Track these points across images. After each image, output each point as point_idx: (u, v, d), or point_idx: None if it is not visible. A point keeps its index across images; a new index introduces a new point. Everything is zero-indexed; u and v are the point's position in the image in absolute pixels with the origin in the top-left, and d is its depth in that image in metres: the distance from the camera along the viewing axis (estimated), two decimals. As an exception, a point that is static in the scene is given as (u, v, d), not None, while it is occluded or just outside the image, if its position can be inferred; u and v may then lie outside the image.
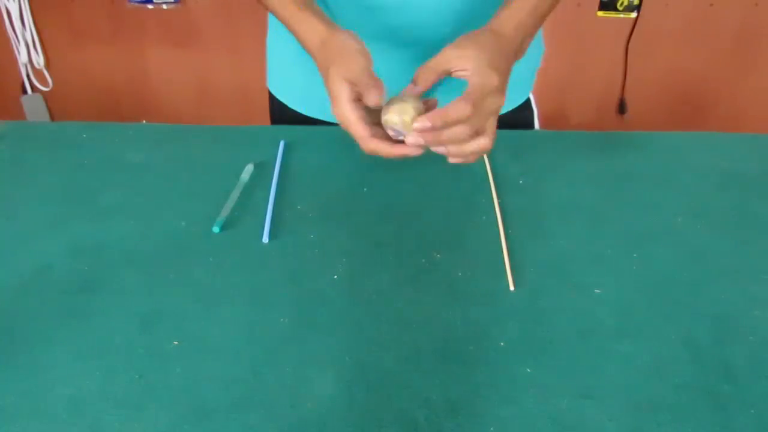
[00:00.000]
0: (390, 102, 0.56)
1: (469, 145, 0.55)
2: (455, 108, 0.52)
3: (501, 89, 0.56)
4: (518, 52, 0.63)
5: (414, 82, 0.60)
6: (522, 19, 0.63)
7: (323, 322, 0.51)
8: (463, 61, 0.56)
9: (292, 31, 0.66)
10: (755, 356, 0.48)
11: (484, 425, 0.43)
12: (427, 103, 0.58)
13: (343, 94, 0.56)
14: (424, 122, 0.53)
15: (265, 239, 0.59)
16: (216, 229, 0.60)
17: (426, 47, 0.74)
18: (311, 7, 0.64)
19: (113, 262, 0.57)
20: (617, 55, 1.93)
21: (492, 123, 0.56)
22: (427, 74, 0.59)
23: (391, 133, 0.56)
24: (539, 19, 0.66)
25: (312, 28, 0.62)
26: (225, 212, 0.62)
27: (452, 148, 0.56)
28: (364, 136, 0.56)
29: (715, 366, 0.47)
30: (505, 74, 0.57)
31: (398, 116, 0.54)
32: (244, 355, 0.48)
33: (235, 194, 0.64)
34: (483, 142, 0.55)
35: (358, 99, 0.56)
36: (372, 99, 0.55)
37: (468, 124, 0.53)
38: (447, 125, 0.53)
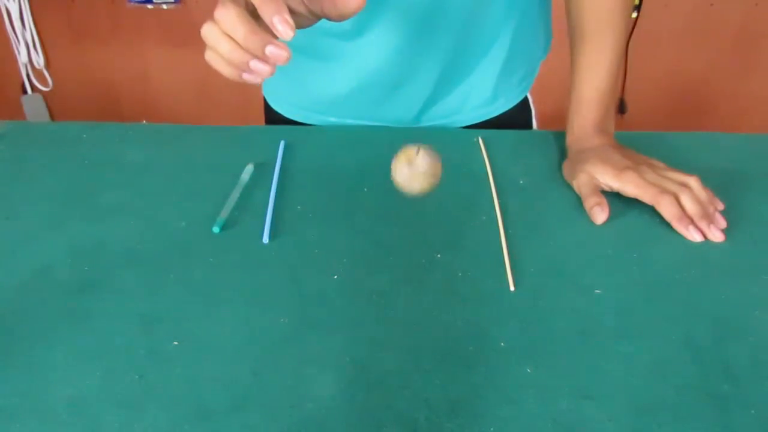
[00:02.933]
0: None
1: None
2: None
3: (635, 159, 0.65)
4: (607, 114, 0.71)
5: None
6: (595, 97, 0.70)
7: (323, 322, 0.51)
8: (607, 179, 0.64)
9: None
10: (755, 356, 0.48)
11: (484, 425, 0.43)
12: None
13: None
14: None
15: (266, 239, 0.59)
16: (216, 230, 0.60)
17: (422, 30, 0.73)
18: None
19: (113, 262, 0.57)
20: (617, 55, 1.93)
21: (667, 170, 0.64)
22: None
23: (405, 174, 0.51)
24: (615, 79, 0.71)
25: None
26: (225, 212, 0.62)
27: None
28: (249, 24, 0.45)
29: (715, 366, 0.47)
30: (617, 149, 0.67)
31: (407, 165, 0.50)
32: (244, 355, 0.48)
33: (235, 194, 0.64)
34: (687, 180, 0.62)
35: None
36: (282, 25, 0.45)
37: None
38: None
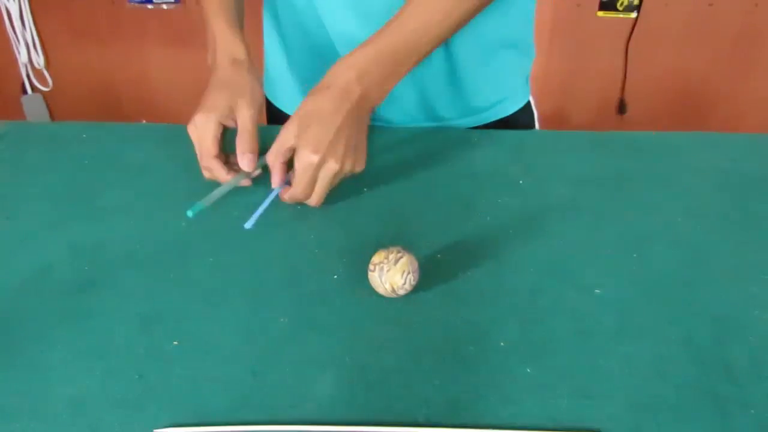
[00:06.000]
0: (382, 258, 0.51)
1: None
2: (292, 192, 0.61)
3: (324, 161, 0.59)
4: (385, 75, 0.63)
5: (274, 177, 0.62)
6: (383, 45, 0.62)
7: (323, 322, 0.51)
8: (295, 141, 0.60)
9: (210, 39, 0.69)
10: (755, 356, 0.48)
11: (484, 425, 0.43)
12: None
13: (215, 110, 0.62)
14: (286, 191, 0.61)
15: (249, 225, 0.58)
16: (190, 214, 0.57)
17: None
18: (234, 24, 0.69)
19: (113, 262, 0.57)
20: (617, 55, 1.93)
21: (321, 186, 0.61)
22: (277, 161, 0.61)
23: (381, 290, 0.52)
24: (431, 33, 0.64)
25: (230, 44, 0.67)
26: (208, 201, 0.59)
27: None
28: (211, 151, 0.62)
29: (715, 366, 0.47)
30: (330, 140, 0.59)
31: (401, 277, 0.51)
32: (244, 355, 0.48)
33: (226, 188, 0.62)
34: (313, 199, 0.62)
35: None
36: (247, 163, 0.62)
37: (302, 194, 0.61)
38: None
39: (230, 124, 0.62)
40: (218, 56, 0.66)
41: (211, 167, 0.62)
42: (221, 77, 0.64)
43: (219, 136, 0.62)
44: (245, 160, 0.61)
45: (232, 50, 0.66)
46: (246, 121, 0.62)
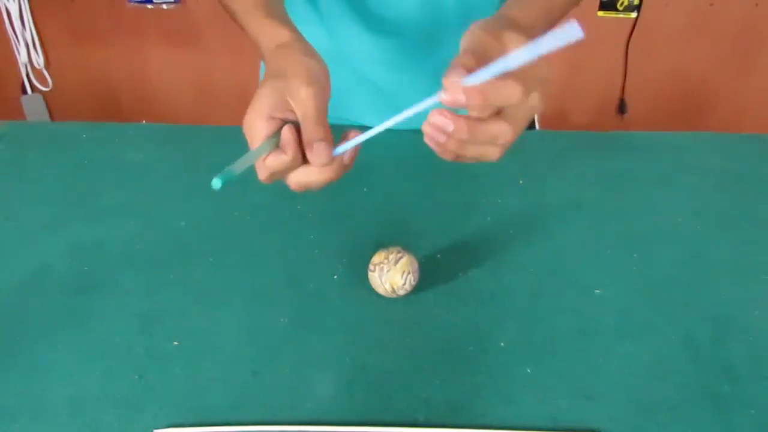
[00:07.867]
0: (382, 258, 0.51)
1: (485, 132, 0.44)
2: (506, 88, 0.40)
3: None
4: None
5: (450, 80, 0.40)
6: (534, 20, 0.53)
7: (323, 322, 0.51)
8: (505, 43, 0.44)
9: (253, 39, 0.56)
10: (755, 356, 0.48)
11: (484, 425, 0.43)
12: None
13: (262, 105, 0.46)
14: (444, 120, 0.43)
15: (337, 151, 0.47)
16: (217, 184, 0.44)
17: (419, 36, 0.73)
18: (277, 15, 0.55)
19: (113, 262, 0.57)
20: (617, 55, 1.93)
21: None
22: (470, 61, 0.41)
23: (381, 291, 0.52)
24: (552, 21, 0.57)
25: (272, 32, 0.53)
26: (239, 167, 0.45)
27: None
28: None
29: (715, 366, 0.47)
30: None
31: (402, 277, 0.51)
32: (243, 355, 0.48)
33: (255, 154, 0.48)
34: (504, 130, 0.45)
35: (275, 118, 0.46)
36: (317, 156, 0.45)
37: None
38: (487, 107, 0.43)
39: (288, 115, 0.47)
40: (264, 51, 0.53)
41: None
42: (269, 70, 0.51)
43: (271, 133, 0.46)
44: (315, 154, 0.45)
45: (274, 37, 0.52)
46: (305, 102, 0.46)
